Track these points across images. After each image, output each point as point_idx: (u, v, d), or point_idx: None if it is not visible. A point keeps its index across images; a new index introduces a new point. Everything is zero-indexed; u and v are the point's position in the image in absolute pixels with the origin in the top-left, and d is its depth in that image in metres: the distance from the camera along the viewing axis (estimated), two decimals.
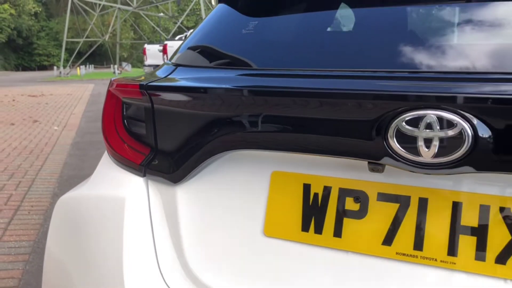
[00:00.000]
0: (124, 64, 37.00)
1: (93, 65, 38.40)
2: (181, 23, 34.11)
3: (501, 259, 0.72)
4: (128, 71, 32.63)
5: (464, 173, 0.70)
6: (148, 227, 1.00)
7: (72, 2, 28.27)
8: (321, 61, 0.91)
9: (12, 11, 40.00)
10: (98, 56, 49.36)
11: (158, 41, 29.43)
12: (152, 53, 18.63)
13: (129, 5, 30.04)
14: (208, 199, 0.95)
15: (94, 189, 1.09)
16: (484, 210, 0.73)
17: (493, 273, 0.72)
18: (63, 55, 30.19)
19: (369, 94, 0.74)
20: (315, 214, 0.85)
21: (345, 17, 1.04)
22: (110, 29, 33.73)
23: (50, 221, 1.15)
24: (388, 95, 0.72)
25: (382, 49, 0.87)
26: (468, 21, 0.85)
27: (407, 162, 0.72)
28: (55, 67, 29.66)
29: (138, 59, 44.33)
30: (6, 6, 38.90)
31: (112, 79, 1.11)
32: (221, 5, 1.21)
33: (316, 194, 0.85)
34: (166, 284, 0.97)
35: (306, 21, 1.05)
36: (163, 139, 0.99)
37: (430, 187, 0.77)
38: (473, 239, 0.74)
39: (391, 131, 0.71)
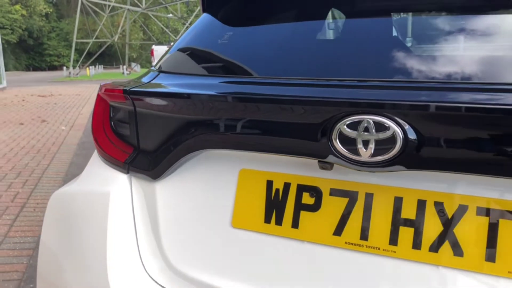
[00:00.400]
0: (133, 64, 37.25)
1: (102, 66, 38.72)
2: (190, 23, 34.29)
3: (434, 248, 0.81)
4: (137, 71, 32.87)
5: (397, 171, 0.79)
6: (131, 219, 1.10)
7: (82, 3, 28.58)
8: (282, 70, 1.00)
9: (24, 12, 40.32)
10: (107, 56, 49.76)
11: (167, 42, 29.62)
12: (160, 54, 18.78)
13: (138, 6, 30.25)
14: (184, 194, 1.05)
15: (83, 185, 1.19)
16: (421, 204, 0.82)
17: (427, 260, 0.81)
18: (72, 55, 30.49)
19: (314, 100, 0.83)
20: (276, 208, 0.94)
21: (303, 32, 1.13)
22: (119, 30, 33.99)
23: (44, 215, 1.25)
24: (331, 101, 0.82)
25: (333, 60, 0.96)
26: (403, 35, 0.94)
27: (348, 161, 0.81)
28: (64, 68, 29.95)
29: (147, 60, 44.61)
30: (17, 7, 39.22)
31: (101, 83, 1.22)
32: (205, 14, 1.31)
33: (277, 190, 0.94)
34: (147, 272, 1.07)
35: (271, 36, 1.14)
36: (144, 139, 1.08)
37: (375, 184, 0.86)
38: (411, 230, 0.83)
39: (334, 133, 0.81)
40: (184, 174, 1.05)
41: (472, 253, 0.78)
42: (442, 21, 0.99)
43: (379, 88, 0.84)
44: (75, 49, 31.32)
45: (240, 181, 0.99)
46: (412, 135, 0.76)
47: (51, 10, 44.35)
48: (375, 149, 0.78)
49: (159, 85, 1.11)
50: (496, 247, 0.77)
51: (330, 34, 1.07)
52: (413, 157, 0.77)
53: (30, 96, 13.12)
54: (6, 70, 27.07)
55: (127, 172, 1.12)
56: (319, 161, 0.85)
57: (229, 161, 1.00)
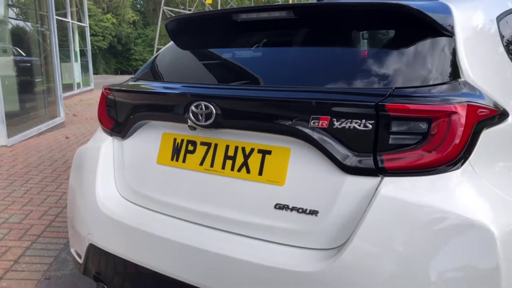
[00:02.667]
0: None
1: None
2: None
3: (239, 169, 1.56)
4: None
5: (215, 129, 1.56)
6: (111, 162, 1.95)
7: (163, 12, 30.75)
8: (182, 78, 1.81)
9: (114, 20, 43.27)
10: None
11: None
12: None
13: None
14: (136, 146, 1.88)
15: (90, 143, 2.07)
16: (236, 148, 1.59)
17: (237, 176, 1.57)
18: None
19: (182, 93, 1.64)
20: (177, 152, 1.74)
21: (199, 59, 1.94)
22: None
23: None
24: (188, 94, 1.61)
25: (201, 75, 1.76)
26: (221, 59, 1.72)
27: (195, 125, 1.59)
28: None
29: None
30: (109, 16, 42.17)
31: (103, 86, 2.08)
32: (171, 42, 2.13)
33: (177, 143, 1.74)
34: (118, 192, 1.91)
35: (188, 59, 1.96)
36: (119, 116, 1.93)
37: (218, 138, 1.63)
38: (231, 161, 1.59)
39: (189, 110, 1.59)
40: (137, 135, 1.89)
41: (254, 171, 1.53)
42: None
43: (209, 88, 1.62)
44: None
45: (162, 139, 1.80)
46: (219, 112, 1.54)
47: (138, 18, 47.34)
48: (204, 118, 1.56)
49: (127, 85, 1.95)
50: (264, 168, 1.52)
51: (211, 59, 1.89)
52: (220, 123, 1.54)
53: None
54: (97, 74, 29.51)
55: (111, 135, 1.97)
56: (188, 125, 1.64)
57: (158, 128, 1.82)
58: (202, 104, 1.56)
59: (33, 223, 3.51)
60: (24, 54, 8.38)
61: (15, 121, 6.64)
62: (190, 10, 32.95)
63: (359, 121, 1.32)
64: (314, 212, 1.40)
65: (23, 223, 3.51)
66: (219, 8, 30.82)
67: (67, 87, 13.68)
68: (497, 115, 1.42)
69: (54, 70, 8.28)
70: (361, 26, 1.62)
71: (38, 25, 8.49)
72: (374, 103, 1.30)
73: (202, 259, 1.52)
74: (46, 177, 4.73)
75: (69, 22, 14.29)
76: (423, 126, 1.29)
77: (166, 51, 2.07)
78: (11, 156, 5.63)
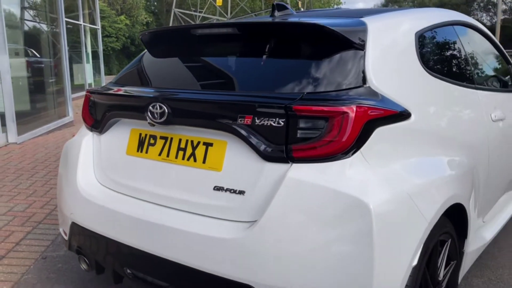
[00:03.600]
0: None
1: None
2: None
3: (187, 157, 1.91)
4: None
5: (168, 126, 1.91)
6: (91, 153, 2.31)
7: (174, 14, 31.28)
8: (155, 82, 2.16)
9: (127, 21, 43.81)
10: None
11: None
12: None
13: (224, 16, 32.37)
14: (111, 140, 2.24)
15: (75, 137, 2.43)
16: (186, 141, 1.93)
17: (185, 164, 1.91)
18: None
19: (143, 96, 1.99)
20: (141, 144, 2.09)
21: (164, 68, 2.29)
22: None
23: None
24: (147, 96, 1.96)
25: (165, 81, 2.11)
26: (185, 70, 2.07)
27: (153, 122, 1.94)
28: None
29: None
30: (122, 17, 42.75)
31: (86, 89, 2.44)
32: (146, 51, 2.48)
33: (142, 137, 2.09)
34: (96, 179, 2.27)
35: (156, 67, 2.31)
36: (97, 114, 2.29)
37: (173, 133, 1.98)
38: (182, 152, 1.93)
39: (148, 109, 1.94)
40: (111, 131, 2.24)
41: (199, 160, 1.88)
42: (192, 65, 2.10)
43: (163, 91, 1.97)
44: None
45: (130, 134, 2.15)
46: (170, 111, 1.88)
47: (151, 20, 47.84)
48: (159, 116, 1.91)
49: (104, 88, 2.31)
50: (207, 158, 1.86)
51: (173, 68, 2.24)
52: (171, 120, 1.89)
53: None
54: (110, 74, 30.08)
55: (91, 131, 2.33)
56: (148, 122, 1.99)
57: (127, 124, 2.17)
58: (157, 105, 1.90)
59: (35, 211, 3.90)
60: (38, 55, 8.87)
61: (25, 120, 7.07)
62: (201, 11, 33.47)
63: (274, 119, 1.65)
64: (242, 192, 1.74)
65: (26, 212, 3.89)
66: (229, 9, 31.25)
67: (79, 87, 14.15)
68: (393, 116, 1.75)
69: (63, 71, 8.72)
70: (285, 41, 1.95)
71: (50, 27, 8.94)
72: (284, 105, 1.63)
73: (156, 232, 1.86)
74: (50, 172, 5.12)
75: (81, 24, 14.76)
76: (322, 123, 1.62)
77: (138, 59, 2.43)
78: (20, 152, 6.05)
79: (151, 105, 1.92)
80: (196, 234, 1.75)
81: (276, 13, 2.44)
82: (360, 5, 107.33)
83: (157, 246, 1.86)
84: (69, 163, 2.34)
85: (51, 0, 8.74)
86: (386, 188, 1.62)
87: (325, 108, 1.61)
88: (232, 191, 1.77)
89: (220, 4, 28.73)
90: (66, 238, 2.38)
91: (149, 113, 1.94)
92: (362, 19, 2.02)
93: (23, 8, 8.88)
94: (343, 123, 1.60)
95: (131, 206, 2.03)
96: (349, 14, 2.23)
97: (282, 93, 1.74)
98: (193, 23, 34.43)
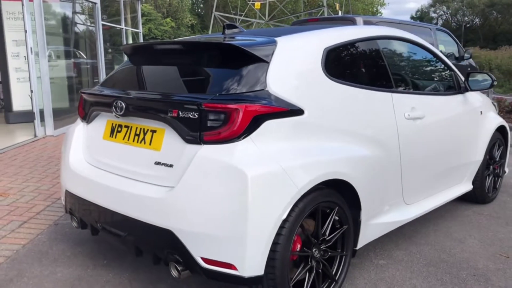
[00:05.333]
0: None
1: None
2: None
3: (139, 140, 2.59)
4: None
5: (127, 117, 2.60)
6: (81, 138, 3.04)
7: (215, 17, 32.34)
8: (122, 85, 2.87)
9: (173, 23, 45.30)
10: None
11: None
12: None
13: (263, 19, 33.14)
14: (94, 128, 2.96)
15: (72, 126, 3.18)
16: (140, 128, 2.61)
17: (140, 145, 2.60)
18: None
19: (111, 95, 2.69)
20: (112, 131, 2.79)
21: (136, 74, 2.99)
22: None
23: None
24: (114, 96, 2.67)
25: (127, 83, 2.81)
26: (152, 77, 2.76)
27: (116, 115, 2.64)
28: None
29: None
30: (168, 20, 44.26)
31: (81, 90, 3.18)
32: (127, 60, 3.20)
33: (113, 126, 2.80)
34: (83, 157, 3.00)
35: (128, 71, 3.02)
36: (86, 109, 3.02)
37: (132, 122, 2.67)
38: (138, 137, 2.62)
39: (113, 105, 2.64)
40: (94, 121, 2.97)
41: (147, 142, 2.56)
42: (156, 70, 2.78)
43: (123, 92, 2.67)
44: None
45: (106, 123, 2.86)
46: (126, 106, 2.58)
47: (196, 22, 49.19)
48: (119, 110, 2.60)
49: (91, 90, 3.03)
50: (152, 141, 2.53)
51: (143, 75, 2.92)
52: (128, 112, 2.58)
53: None
54: None
55: (82, 121, 3.07)
56: (114, 115, 2.69)
57: (104, 116, 2.89)
58: (119, 102, 2.60)
59: (56, 190, 4.71)
60: (85, 57, 9.92)
61: (62, 115, 8.02)
62: (241, 15, 34.37)
63: (192, 113, 2.31)
64: (171, 166, 2.41)
65: (50, 190, 4.71)
66: (267, 13, 31.95)
67: None
68: (283, 112, 2.36)
69: (99, 71, 9.68)
70: (210, 56, 2.60)
71: (92, 31, 9.95)
72: (198, 103, 2.28)
73: (115, 194, 2.56)
74: None
75: (122, 28, 15.88)
76: (223, 116, 2.26)
77: (119, 66, 3.15)
78: (54, 143, 6.97)
79: (115, 102, 2.62)
80: (138, 195, 2.44)
81: (227, 31, 3.09)
82: (412, 5, 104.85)
83: (115, 204, 2.56)
84: (66, 146, 3.09)
85: (93, 7, 9.73)
86: (265, 163, 2.25)
87: (224, 106, 2.25)
88: (165, 165, 2.44)
89: (259, 7, 29.48)
90: (63, 203, 3.12)
91: (114, 108, 2.64)
92: (277, 38, 2.64)
93: (74, 13, 9.95)
94: (236, 116, 2.24)
95: (103, 177, 2.73)
96: (277, 33, 2.83)
97: (201, 94, 2.39)
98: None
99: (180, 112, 2.35)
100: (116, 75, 3.11)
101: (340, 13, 27.53)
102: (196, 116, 2.30)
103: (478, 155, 4.12)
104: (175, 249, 2.31)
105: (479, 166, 4.18)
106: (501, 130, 4.52)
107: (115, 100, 2.64)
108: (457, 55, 10.14)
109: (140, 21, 18.33)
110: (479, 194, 4.33)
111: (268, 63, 2.46)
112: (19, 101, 8.61)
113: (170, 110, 2.38)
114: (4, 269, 3.07)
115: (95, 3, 9.55)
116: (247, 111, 2.25)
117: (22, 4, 7.05)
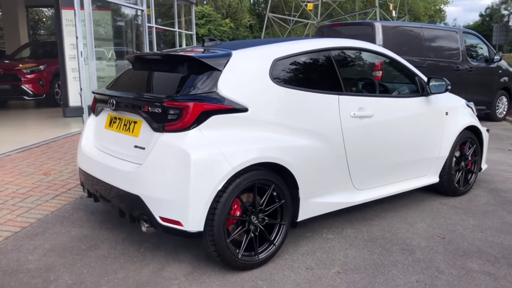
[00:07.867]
0: None
1: None
2: None
3: (127, 129, 3.40)
4: None
5: (118, 111, 3.42)
6: (92, 128, 3.92)
7: (268, 18, 33.16)
8: (117, 87, 3.70)
9: (232, 24, 46.52)
10: None
11: None
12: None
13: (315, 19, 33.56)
14: (99, 120, 3.82)
15: (88, 119, 4.05)
16: (127, 120, 3.42)
17: (126, 133, 3.41)
18: None
19: (109, 95, 3.52)
20: (110, 122, 3.63)
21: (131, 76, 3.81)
22: None
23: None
24: (110, 95, 3.49)
25: (121, 85, 3.63)
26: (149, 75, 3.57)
27: (110, 109, 3.46)
28: None
29: None
30: (227, 20, 45.53)
31: (92, 90, 4.05)
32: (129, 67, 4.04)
33: (112, 118, 3.63)
34: (92, 143, 3.87)
35: (126, 76, 3.85)
36: (96, 105, 3.89)
37: (122, 115, 3.48)
38: (125, 126, 3.43)
39: (109, 102, 3.47)
40: (100, 115, 3.83)
41: (131, 130, 3.36)
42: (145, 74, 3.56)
43: (115, 92, 3.49)
44: None
45: (107, 116, 3.71)
46: (115, 102, 3.39)
47: (254, 22, 50.21)
48: (112, 105, 3.43)
49: (100, 90, 3.89)
50: (134, 129, 3.33)
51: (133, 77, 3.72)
52: (118, 108, 3.40)
53: None
54: None
55: (93, 115, 3.94)
56: (109, 109, 3.52)
57: (107, 111, 3.74)
58: (111, 100, 3.43)
59: None
60: None
61: None
62: (295, 15, 34.96)
63: (157, 109, 3.08)
64: (143, 148, 3.19)
65: None
66: (319, 14, 32.29)
67: None
68: (227, 109, 3.08)
69: None
70: (178, 65, 3.35)
71: (139, 34, 11.09)
72: (161, 101, 3.05)
73: (107, 169, 3.39)
74: None
75: (176, 30, 17.06)
76: (178, 111, 3.01)
77: (122, 72, 3.98)
78: None
79: (109, 100, 3.46)
80: (119, 169, 3.25)
81: (206, 44, 3.85)
82: (486, 1, 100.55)
83: (106, 177, 3.39)
84: (82, 134, 3.97)
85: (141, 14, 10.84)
86: (207, 147, 2.97)
87: (178, 103, 3.01)
88: (140, 147, 3.23)
89: (311, 8, 29.96)
90: (79, 178, 4.01)
91: (109, 104, 3.47)
92: (233, 50, 3.36)
93: (123, 19, 11.10)
94: (187, 111, 2.98)
95: (102, 157, 3.57)
96: (242, 46, 3.54)
97: (165, 94, 3.15)
98: (287, 26, 36.11)
99: (149, 108, 3.12)
100: (118, 79, 3.95)
101: (394, 13, 27.41)
102: (160, 111, 3.07)
103: (442, 152, 4.61)
104: (142, 210, 3.09)
105: (445, 162, 4.66)
106: (474, 130, 4.96)
107: (109, 98, 3.47)
108: (487, 57, 10.28)
109: (194, 23, 19.49)
110: (447, 187, 4.81)
111: (220, 71, 3.18)
112: (74, 98, 9.83)
113: (143, 106, 3.17)
114: (34, 227, 4.00)
115: (143, 10, 10.62)
116: (195, 107, 2.99)
117: (74, 14, 8.16)
